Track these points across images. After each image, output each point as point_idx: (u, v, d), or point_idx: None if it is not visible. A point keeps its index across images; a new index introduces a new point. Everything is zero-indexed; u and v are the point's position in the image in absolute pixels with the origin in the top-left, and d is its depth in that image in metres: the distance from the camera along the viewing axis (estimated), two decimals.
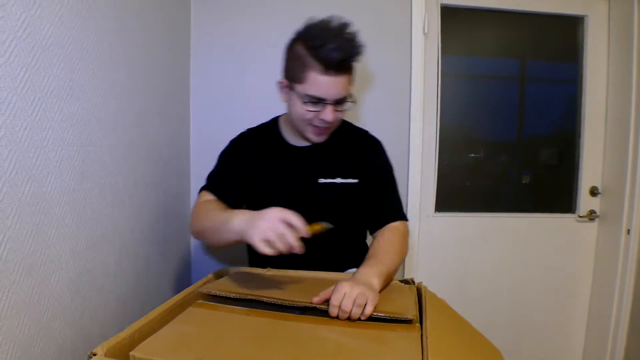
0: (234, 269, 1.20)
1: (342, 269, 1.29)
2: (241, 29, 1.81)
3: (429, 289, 1.07)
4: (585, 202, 2.14)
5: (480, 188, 2.22)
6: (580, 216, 2.13)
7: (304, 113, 1.16)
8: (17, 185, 0.77)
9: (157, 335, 0.77)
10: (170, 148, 1.59)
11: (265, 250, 0.90)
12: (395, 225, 1.27)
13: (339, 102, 1.15)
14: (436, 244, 2.07)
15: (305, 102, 1.14)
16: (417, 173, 1.91)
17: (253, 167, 1.30)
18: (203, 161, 1.81)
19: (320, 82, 1.10)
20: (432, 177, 2.06)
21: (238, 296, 0.93)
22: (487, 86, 2.17)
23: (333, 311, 0.87)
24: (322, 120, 1.16)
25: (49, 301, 0.87)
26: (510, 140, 2.22)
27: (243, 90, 1.83)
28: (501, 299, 2.14)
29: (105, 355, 0.68)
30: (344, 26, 1.11)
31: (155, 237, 1.43)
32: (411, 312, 0.88)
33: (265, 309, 0.90)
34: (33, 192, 0.82)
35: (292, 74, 1.15)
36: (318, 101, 1.13)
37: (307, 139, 1.27)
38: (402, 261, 1.21)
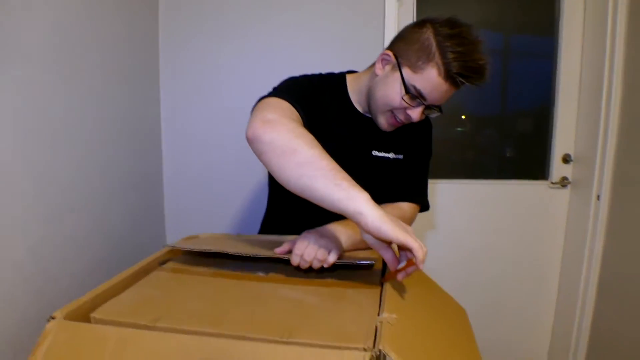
0: (204, 235, 1.19)
1: None
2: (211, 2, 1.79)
3: None
4: (558, 169, 2.17)
5: (462, 161, 2.25)
6: (552, 182, 2.16)
7: (396, 100, 1.07)
8: None
9: (119, 298, 0.77)
10: (140, 117, 1.57)
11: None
12: (403, 205, 1.19)
13: (429, 109, 1.09)
14: None
15: (405, 92, 1.05)
16: None
17: (311, 119, 1.08)
18: (175, 130, 1.79)
19: (435, 84, 1.02)
20: None
21: (200, 249, 0.94)
22: None
23: (295, 259, 0.85)
24: (408, 116, 1.08)
25: (10, 270, 0.87)
26: (493, 114, 2.24)
27: (214, 60, 1.81)
28: (474, 264, 2.20)
29: (65, 318, 0.68)
30: (479, 43, 1.05)
31: (125, 208, 1.42)
32: (374, 258, 0.89)
33: (229, 271, 0.91)
34: None
35: (408, 57, 1.05)
36: (418, 98, 1.05)
37: (375, 121, 1.17)
38: None
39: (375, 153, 1.20)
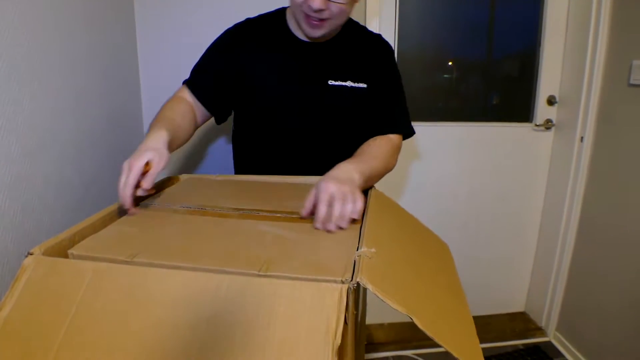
0: (184, 176, 1.18)
1: None
2: None
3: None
4: (542, 111, 2.17)
5: (446, 107, 2.23)
6: (537, 125, 2.16)
7: None
8: None
9: (97, 235, 0.77)
10: (114, 56, 1.50)
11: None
12: (391, 136, 1.18)
13: None
14: None
15: None
16: None
17: (252, 62, 1.17)
18: (153, 67, 1.73)
19: None
20: None
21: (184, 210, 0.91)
22: (456, 4, 2.10)
23: (321, 220, 0.79)
24: (309, 7, 1.03)
25: None
26: (479, 59, 2.20)
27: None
28: (458, 206, 2.22)
29: (44, 255, 0.68)
30: None
31: (103, 146, 1.39)
32: None
33: (210, 208, 0.90)
34: None
35: None
36: None
37: (305, 35, 1.15)
38: (385, 172, 1.14)
39: (331, 82, 1.18)
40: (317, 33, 1.11)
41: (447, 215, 2.21)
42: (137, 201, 0.90)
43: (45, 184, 1.07)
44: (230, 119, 1.32)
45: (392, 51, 1.28)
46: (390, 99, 1.23)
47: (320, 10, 1.03)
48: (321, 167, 1.02)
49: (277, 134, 1.21)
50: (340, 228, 0.78)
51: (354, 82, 1.19)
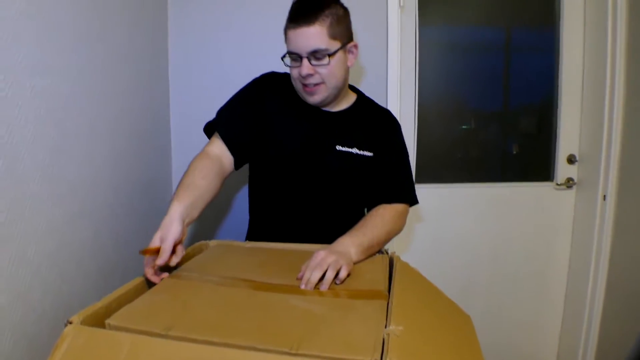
0: (213, 242, 1.21)
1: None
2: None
3: (408, 259, 1.08)
4: (563, 169, 2.17)
5: (465, 158, 2.24)
6: (558, 184, 2.17)
7: (291, 71, 1.21)
8: None
9: (132, 305, 0.79)
10: (150, 123, 1.60)
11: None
12: (394, 205, 1.25)
13: (315, 56, 1.15)
14: (416, 214, 2.10)
15: (290, 61, 1.19)
16: None
17: (273, 115, 1.27)
18: (184, 134, 1.82)
19: (291, 36, 1.15)
20: (411, 150, 2.08)
21: (216, 279, 0.93)
22: (472, 57, 2.17)
23: (302, 285, 0.89)
24: (299, 75, 1.17)
25: (27, 272, 0.90)
26: (496, 110, 2.23)
27: (221, 62, 1.83)
28: (481, 268, 2.19)
29: (82, 323, 0.71)
30: None
31: (135, 212, 1.45)
32: (380, 286, 0.90)
33: (241, 278, 0.93)
34: (7, 168, 0.83)
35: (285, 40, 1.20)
36: (295, 56, 1.17)
37: (309, 102, 1.25)
38: (389, 238, 1.19)
39: (339, 148, 1.26)
40: (315, 98, 1.21)
41: (471, 276, 2.18)
42: (169, 270, 0.94)
43: (82, 249, 1.12)
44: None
45: (399, 126, 1.37)
46: (396, 169, 1.30)
47: (309, 75, 1.16)
48: (329, 224, 1.19)
49: (287, 187, 1.28)
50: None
51: (360, 150, 1.27)
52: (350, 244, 1.03)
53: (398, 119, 1.86)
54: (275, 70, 1.36)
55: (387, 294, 0.85)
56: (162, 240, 0.92)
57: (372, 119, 1.32)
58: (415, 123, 2.07)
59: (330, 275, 0.88)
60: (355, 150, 1.26)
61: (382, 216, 1.20)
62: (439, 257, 2.15)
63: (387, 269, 1.02)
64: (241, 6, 1.81)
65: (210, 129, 1.30)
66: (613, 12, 1.92)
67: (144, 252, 0.91)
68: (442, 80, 2.15)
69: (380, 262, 1.07)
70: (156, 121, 1.66)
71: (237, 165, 1.28)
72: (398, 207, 1.25)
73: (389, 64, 1.88)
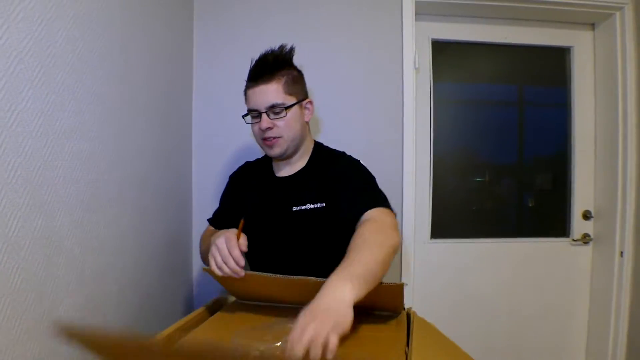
0: (231, 298, 1.25)
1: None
2: (242, 60, 1.91)
3: (425, 315, 1.09)
4: (578, 225, 2.19)
5: (481, 212, 2.28)
6: (574, 240, 2.17)
7: (252, 128, 1.33)
8: (31, 219, 0.84)
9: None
10: (174, 182, 1.67)
11: (217, 271, 1.03)
12: (372, 214, 1.16)
13: (272, 110, 1.26)
14: (432, 270, 2.11)
15: (251, 119, 1.32)
16: (411, 201, 1.95)
17: (244, 199, 1.43)
18: (205, 193, 1.89)
19: (250, 94, 1.29)
20: (426, 205, 2.12)
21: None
22: (486, 111, 2.26)
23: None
24: (260, 131, 1.28)
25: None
26: (510, 164, 2.29)
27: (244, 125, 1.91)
28: (499, 325, 2.17)
29: None
30: (277, 47, 1.31)
31: (158, 267, 1.50)
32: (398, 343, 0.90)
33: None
34: (44, 226, 0.89)
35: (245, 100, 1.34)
36: (255, 113, 1.29)
37: (269, 155, 1.36)
38: (388, 253, 1.02)
39: (294, 208, 1.32)
40: (275, 151, 1.31)
41: (489, 332, 2.16)
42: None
43: (108, 303, 1.16)
44: None
45: (353, 161, 1.37)
46: (356, 188, 1.26)
47: (268, 129, 1.27)
48: (314, 267, 1.09)
49: (263, 247, 1.34)
50: None
51: (312, 204, 1.31)
52: (343, 284, 0.85)
53: (413, 173, 1.92)
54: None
55: (406, 350, 0.87)
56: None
57: (324, 169, 1.34)
58: (430, 177, 2.12)
59: (316, 356, 0.72)
60: (308, 206, 1.31)
61: (363, 233, 1.07)
62: (456, 313, 2.13)
63: (405, 325, 1.03)
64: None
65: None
66: (622, 71, 2.01)
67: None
68: (457, 134, 2.23)
69: (397, 319, 1.06)
70: (179, 181, 1.73)
71: None
72: (375, 215, 1.16)
73: (404, 120, 1.96)
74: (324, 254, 1.24)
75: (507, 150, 2.27)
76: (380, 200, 1.22)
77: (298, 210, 1.31)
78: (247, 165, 1.55)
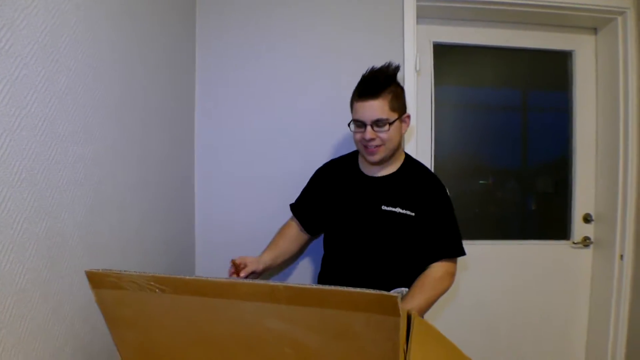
0: None
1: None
2: (244, 62, 1.94)
3: (426, 316, 1.10)
4: (579, 228, 2.20)
5: (483, 215, 2.29)
6: (574, 242, 2.18)
7: (354, 135, 1.45)
8: (35, 222, 0.86)
9: None
10: (177, 185, 1.69)
11: None
12: (443, 263, 1.43)
13: (377, 124, 1.38)
14: None
15: (355, 127, 1.43)
16: None
17: (332, 193, 1.58)
18: (207, 196, 1.91)
19: (358, 107, 1.40)
20: None
21: None
22: (487, 115, 2.27)
23: None
24: (364, 139, 1.39)
25: (62, 327, 0.95)
26: (513, 167, 2.30)
27: (247, 123, 1.94)
28: (499, 326, 2.18)
29: None
30: (384, 65, 1.42)
31: (161, 269, 1.51)
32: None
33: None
34: (49, 228, 0.90)
35: (350, 109, 1.46)
36: (360, 124, 1.40)
37: (368, 162, 1.48)
38: (439, 296, 1.39)
39: (384, 207, 1.45)
40: (375, 158, 1.43)
41: (490, 334, 2.18)
42: None
43: None
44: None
45: (443, 187, 1.52)
46: (439, 226, 1.46)
47: (372, 140, 1.39)
48: (381, 275, 1.45)
49: (343, 242, 1.54)
50: None
51: (403, 209, 1.44)
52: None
53: None
54: (332, 157, 1.72)
55: (405, 349, 0.87)
56: (242, 259, 1.40)
57: (416, 181, 1.50)
58: None
59: None
60: (398, 210, 1.45)
61: (432, 277, 1.40)
62: (457, 314, 2.14)
63: (405, 326, 1.04)
64: (261, 69, 1.94)
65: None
66: (624, 75, 2.02)
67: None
68: (459, 137, 2.25)
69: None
70: (182, 183, 1.75)
71: (310, 232, 1.69)
72: (446, 265, 1.43)
73: None
74: (398, 255, 1.47)
75: (508, 153, 2.28)
76: (455, 249, 1.46)
77: (387, 211, 1.45)
78: (334, 162, 1.68)
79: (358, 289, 0.61)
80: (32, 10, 0.84)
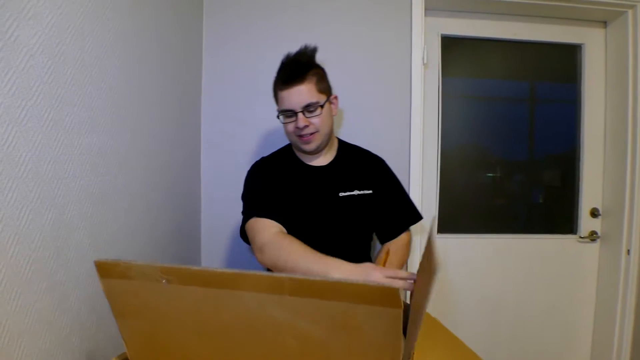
0: None
1: None
2: (251, 56, 1.93)
3: (430, 310, 1.09)
4: (586, 223, 2.18)
5: (489, 208, 2.28)
6: (581, 237, 2.17)
7: (286, 127, 1.39)
8: (41, 213, 0.86)
9: None
10: (183, 176, 1.69)
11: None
12: (401, 237, 1.49)
13: (308, 109, 1.33)
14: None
15: (285, 118, 1.37)
16: (417, 196, 1.96)
17: (283, 188, 1.44)
18: (213, 188, 1.91)
19: (284, 96, 1.34)
20: (434, 199, 2.12)
21: None
22: (496, 107, 2.25)
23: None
24: (296, 129, 1.35)
25: (68, 317, 0.96)
26: (521, 160, 2.28)
27: (253, 118, 1.94)
28: (505, 320, 2.18)
29: None
30: (301, 49, 1.38)
31: (166, 261, 1.52)
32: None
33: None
34: (55, 219, 0.91)
35: (275, 102, 1.40)
36: (290, 113, 1.34)
37: (303, 152, 1.43)
38: (405, 261, 1.48)
39: (341, 194, 1.43)
40: (311, 146, 1.39)
41: (494, 328, 2.17)
42: None
43: None
44: None
45: (384, 162, 1.57)
46: (397, 201, 1.52)
47: (305, 127, 1.33)
48: (345, 255, 1.26)
49: (308, 238, 1.32)
50: None
51: (360, 190, 1.45)
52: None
53: (420, 167, 1.94)
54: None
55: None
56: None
57: (362, 161, 1.52)
58: (437, 172, 2.12)
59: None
60: (356, 192, 1.45)
61: (401, 244, 1.47)
62: (461, 308, 2.14)
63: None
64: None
65: (251, 223, 1.37)
66: (633, 69, 2.00)
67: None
68: (466, 130, 2.23)
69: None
70: (188, 175, 1.76)
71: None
72: (408, 233, 1.52)
73: (412, 114, 1.97)
74: (361, 237, 1.49)
75: (516, 146, 2.27)
76: (412, 217, 1.52)
77: (345, 196, 1.43)
78: (267, 159, 1.53)
79: (361, 282, 0.61)
80: (39, 2, 0.84)
